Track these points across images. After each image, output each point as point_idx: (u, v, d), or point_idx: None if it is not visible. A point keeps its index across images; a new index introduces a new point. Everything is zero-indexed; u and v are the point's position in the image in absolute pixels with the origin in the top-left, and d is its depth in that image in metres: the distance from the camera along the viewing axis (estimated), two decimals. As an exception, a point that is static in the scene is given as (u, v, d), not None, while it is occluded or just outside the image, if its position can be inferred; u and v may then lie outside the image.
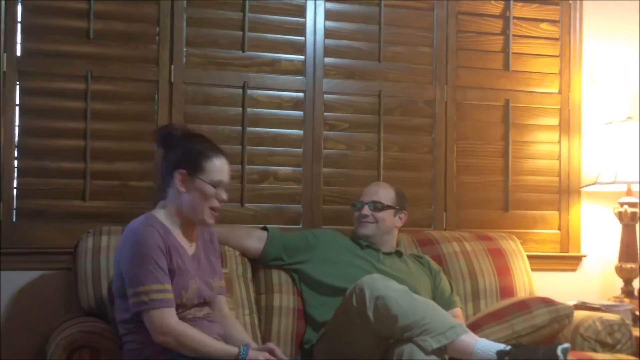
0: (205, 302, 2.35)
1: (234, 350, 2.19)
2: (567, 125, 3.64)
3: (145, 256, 2.17)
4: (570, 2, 3.66)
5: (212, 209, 2.31)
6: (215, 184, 2.29)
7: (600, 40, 3.69)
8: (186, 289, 2.25)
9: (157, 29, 3.12)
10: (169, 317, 2.16)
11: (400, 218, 3.02)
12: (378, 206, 2.95)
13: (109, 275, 2.59)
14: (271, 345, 2.31)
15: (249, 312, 2.78)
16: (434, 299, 2.76)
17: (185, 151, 2.30)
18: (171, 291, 2.19)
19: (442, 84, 3.48)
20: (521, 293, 3.15)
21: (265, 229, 2.95)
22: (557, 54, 3.65)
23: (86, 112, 3.00)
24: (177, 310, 2.23)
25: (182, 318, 2.23)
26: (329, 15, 3.34)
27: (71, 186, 2.98)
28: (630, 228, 3.47)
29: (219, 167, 2.30)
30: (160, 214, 2.31)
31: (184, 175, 2.28)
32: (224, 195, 2.33)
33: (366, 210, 2.95)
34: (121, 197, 3.02)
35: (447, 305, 2.81)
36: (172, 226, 2.30)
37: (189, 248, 2.35)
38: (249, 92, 3.22)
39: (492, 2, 3.57)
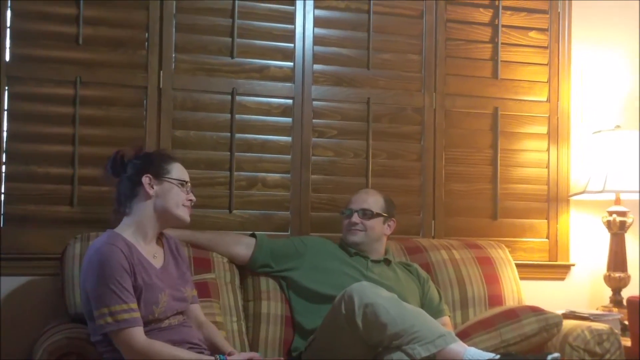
0: (178, 312, 2.35)
1: None
2: (555, 134, 3.65)
3: (108, 277, 2.17)
4: (559, 11, 3.67)
5: (184, 206, 2.38)
6: (182, 183, 2.37)
7: (588, 49, 3.71)
8: (157, 304, 2.26)
9: (147, 34, 3.10)
10: (137, 336, 2.16)
11: (389, 226, 3.01)
12: (368, 214, 2.94)
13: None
14: (256, 355, 2.31)
15: (237, 319, 2.77)
16: (422, 307, 2.76)
17: (144, 161, 2.38)
18: (137, 310, 2.19)
19: (430, 92, 3.49)
20: (510, 302, 3.14)
21: (253, 235, 2.94)
22: (545, 62, 3.66)
23: (75, 117, 2.99)
24: (151, 324, 2.24)
25: (157, 328, 2.25)
26: (318, 22, 3.34)
27: (59, 192, 2.96)
28: (618, 237, 3.47)
29: (180, 169, 2.41)
30: (124, 231, 2.32)
31: (150, 178, 2.33)
32: (192, 196, 2.41)
33: (356, 218, 2.94)
34: (109, 203, 2.96)
35: (436, 313, 2.81)
36: (136, 241, 2.31)
37: (155, 261, 2.35)
38: (238, 98, 3.22)
39: (481, 10, 3.58)
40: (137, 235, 2.32)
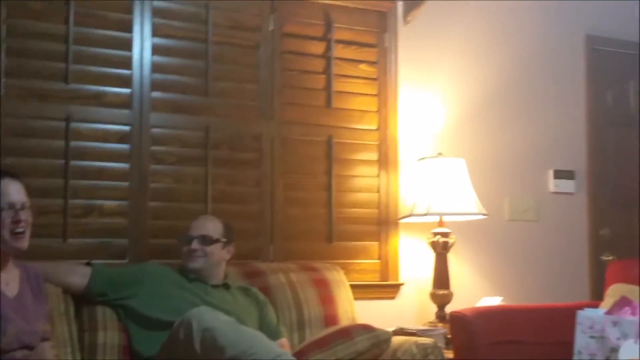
0: (26, 346, 2.27)
1: None
2: (385, 160, 3.85)
3: None
4: (386, 45, 3.91)
5: (15, 233, 2.26)
6: (3, 208, 2.24)
7: (413, 82, 3.95)
8: (4, 334, 2.17)
9: (-27, 58, 3.00)
10: None
11: (228, 251, 3.06)
12: (207, 240, 2.98)
13: None
14: None
15: (71, 350, 2.69)
16: (261, 329, 2.81)
17: None
18: None
19: (268, 120, 3.59)
20: (344, 321, 3.27)
21: (89, 264, 2.89)
22: (375, 93, 3.86)
23: None
24: None
25: None
26: (156, 49, 3.35)
27: None
28: (442, 257, 3.71)
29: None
30: None
31: None
32: (23, 216, 2.28)
33: (195, 244, 2.97)
34: None
35: (274, 335, 2.88)
36: None
37: (8, 289, 2.27)
38: (73, 124, 3.16)
39: (315, 42, 3.74)
40: None
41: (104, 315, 2.82)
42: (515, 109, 4.23)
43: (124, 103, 3.28)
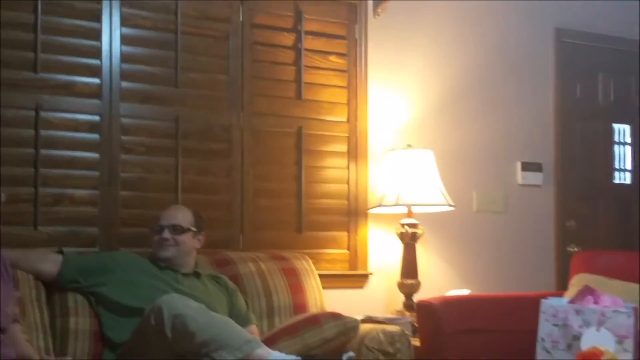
0: None
1: None
2: (355, 152, 3.88)
3: None
4: (356, 37, 3.93)
5: None
6: None
7: (382, 74, 3.99)
8: None
9: (-59, 46, 2.98)
10: None
11: (199, 240, 3.08)
12: (178, 229, 3.00)
13: None
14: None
15: (43, 336, 2.71)
16: (231, 317, 2.83)
17: None
18: None
19: (238, 111, 3.60)
20: (313, 309, 3.30)
21: (60, 251, 2.89)
22: (345, 84, 3.88)
23: None
24: None
25: None
26: (125, 39, 3.35)
27: None
28: (410, 247, 3.75)
29: None
30: None
31: None
32: None
33: (166, 233, 2.98)
34: None
35: (244, 322, 2.90)
36: None
37: None
38: (43, 114, 3.15)
39: (285, 34, 3.76)
40: None
41: (75, 301, 2.84)
42: (484, 102, 4.28)
43: (94, 93, 3.28)
